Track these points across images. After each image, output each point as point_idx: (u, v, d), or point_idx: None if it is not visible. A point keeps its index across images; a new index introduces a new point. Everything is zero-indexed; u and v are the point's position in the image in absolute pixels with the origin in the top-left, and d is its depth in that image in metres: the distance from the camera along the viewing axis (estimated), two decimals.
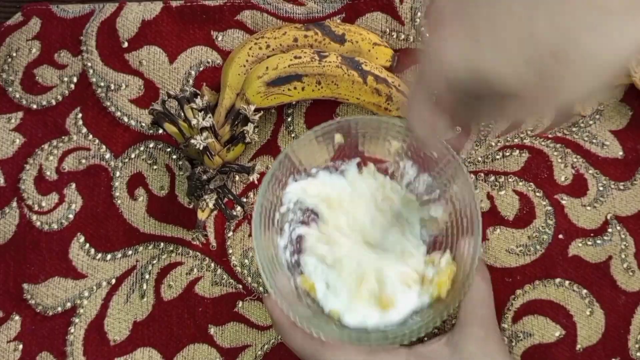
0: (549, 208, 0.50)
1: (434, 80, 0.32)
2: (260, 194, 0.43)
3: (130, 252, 0.51)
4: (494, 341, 0.42)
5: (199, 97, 0.48)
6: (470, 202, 0.43)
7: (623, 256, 0.50)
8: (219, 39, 0.53)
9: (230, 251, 0.51)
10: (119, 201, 0.52)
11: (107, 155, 0.52)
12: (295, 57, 0.48)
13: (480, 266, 0.42)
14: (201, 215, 0.48)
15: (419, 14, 0.53)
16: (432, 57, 0.31)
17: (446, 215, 0.46)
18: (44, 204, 0.52)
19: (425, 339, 0.48)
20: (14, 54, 0.53)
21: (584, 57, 0.27)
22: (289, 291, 0.43)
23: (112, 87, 0.53)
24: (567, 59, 0.27)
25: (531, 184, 0.51)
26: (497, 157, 0.51)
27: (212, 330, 0.50)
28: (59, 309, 0.50)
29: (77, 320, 0.50)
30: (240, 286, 0.50)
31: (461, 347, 0.41)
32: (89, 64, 0.53)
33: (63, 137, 0.52)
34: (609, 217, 0.50)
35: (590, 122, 0.52)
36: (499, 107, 0.31)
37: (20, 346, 0.50)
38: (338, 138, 0.45)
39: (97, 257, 0.51)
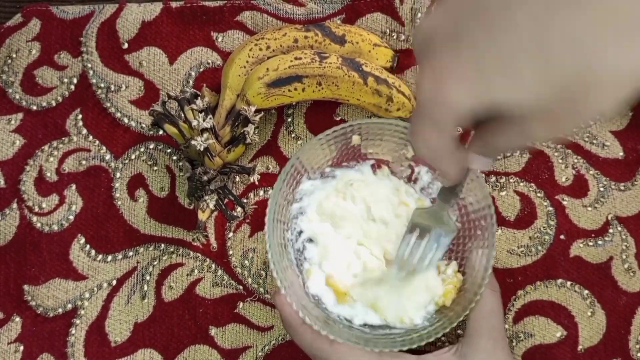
0: (550, 209, 0.50)
1: (441, 120, 0.29)
2: (275, 191, 0.43)
3: (130, 254, 0.51)
4: (502, 353, 0.42)
5: (199, 98, 0.48)
6: (487, 215, 0.43)
7: (624, 257, 0.50)
8: (219, 39, 0.53)
9: (231, 252, 0.51)
10: (119, 202, 0.52)
11: (108, 157, 0.52)
12: (296, 58, 0.48)
13: (490, 277, 0.42)
14: (202, 216, 0.48)
15: (419, 14, 0.53)
16: (434, 97, 0.28)
17: (459, 223, 0.46)
18: (44, 205, 0.52)
19: (437, 343, 0.48)
20: (14, 55, 0.53)
21: (613, 73, 0.25)
22: (298, 288, 0.43)
23: (112, 88, 0.53)
24: (595, 79, 0.25)
25: (532, 184, 0.51)
26: (498, 157, 0.51)
27: (212, 331, 0.50)
28: (60, 310, 0.50)
29: (77, 321, 0.50)
30: (241, 287, 0.50)
31: (470, 358, 0.41)
32: (89, 65, 0.53)
33: (63, 138, 0.52)
34: (609, 218, 0.50)
35: (591, 123, 0.52)
36: (522, 130, 0.29)
37: (21, 348, 0.50)
38: (356, 139, 0.46)
39: (98, 259, 0.51)
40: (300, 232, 0.46)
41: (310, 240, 0.46)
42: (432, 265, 0.44)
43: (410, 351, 0.41)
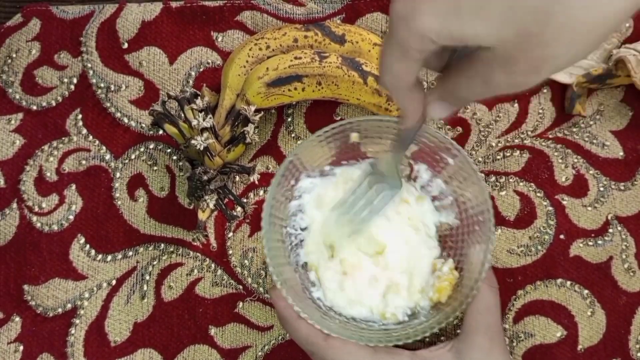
0: (550, 208, 0.50)
1: (408, 42, 0.29)
2: (272, 186, 0.43)
3: (130, 253, 0.51)
4: (499, 351, 0.42)
5: (199, 97, 0.48)
6: (484, 210, 0.43)
7: (624, 256, 0.50)
8: (219, 39, 0.53)
9: (231, 252, 0.51)
10: (119, 202, 0.52)
11: (107, 156, 0.52)
12: (296, 58, 0.48)
13: (488, 274, 0.42)
14: (201, 216, 0.48)
15: None
16: (405, 19, 0.28)
17: (457, 221, 0.46)
18: (44, 205, 0.52)
19: (427, 340, 0.48)
20: (14, 55, 0.53)
21: (571, 21, 0.26)
22: (295, 284, 0.43)
23: (112, 88, 0.53)
24: (554, 22, 0.26)
25: (532, 184, 0.51)
26: (498, 157, 0.51)
27: (212, 331, 0.50)
28: (60, 310, 0.50)
29: (77, 321, 0.50)
30: (241, 287, 0.50)
31: (465, 355, 0.41)
32: (89, 65, 0.53)
33: (63, 138, 0.52)
34: (609, 218, 0.50)
35: (591, 123, 0.52)
36: (484, 77, 0.29)
37: (21, 347, 0.50)
38: (354, 137, 0.46)
39: (98, 258, 0.51)
40: (300, 229, 0.47)
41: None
42: (373, 215, 0.45)
43: (405, 347, 0.41)
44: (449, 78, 0.32)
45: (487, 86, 0.30)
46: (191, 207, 0.51)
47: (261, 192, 0.52)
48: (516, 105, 0.52)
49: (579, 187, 0.51)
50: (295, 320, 0.41)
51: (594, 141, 0.51)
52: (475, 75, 0.30)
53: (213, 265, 0.51)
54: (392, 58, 0.31)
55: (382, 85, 0.33)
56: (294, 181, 0.46)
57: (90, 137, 0.52)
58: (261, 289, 0.50)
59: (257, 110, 0.49)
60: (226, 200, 0.49)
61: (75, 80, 0.53)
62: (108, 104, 0.53)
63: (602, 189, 0.51)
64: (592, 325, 0.49)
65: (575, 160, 0.51)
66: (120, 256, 0.51)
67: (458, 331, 0.48)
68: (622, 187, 0.51)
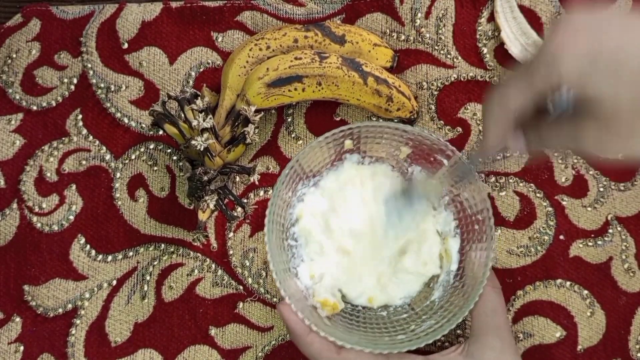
0: (550, 209, 0.50)
1: (541, 81, 0.33)
2: (275, 192, 0.43)
3: (131, 254, 0.51)
4: (510, 352, 0.42)
5: (199, 98, 0.48)
6: (483, 208, 0.43)
7: (624, 257, 0.50)
8: (219, 39, 0.53)
9: (231, 252, 0.51)
10: (119, 202, 0.52)
11: (108, 157, 0.52)
12: (296, 58, 0.48)
13: (490, 275, 0.42)
14: (202, 216, 0.48)
15: (419, 14, 0.53)
16: (550, 61, 0.33)
17: (456, 221, 0.46)
18: (44, 205, 0.52)
19: (437, 343, 0.48)
20: (14, 55, 0.53)
21: None
22: (300, 297, 0.43)
23: (112, 88, 0.53)
24: None
25: (532, 184, 0.51)
26: (498, 157, 0.51)
27: (212, 331, 0.50)
28: (60, 310, 0.50)
29: (78, 321, 0.50)
30: (241, 287, 0.50)
31: (478, 357, 0.41)
32: (89, 65, 0.53)
33: (63, 138, 0.52)
34: (609, 218, 0.50)
35: None
36: (569, 129, 0.34)
37: (21, 348, 0.50)
38: (348, 144, 0.46)
39: (98, 259, 0.51)
40: (299, 240, 0.47)
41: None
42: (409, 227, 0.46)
43: (417, 352, 0.41)
44: (543, 127, 0.36)
45: (574, 141, 0.34)
46: (191, 207, 0.51)
47: (261, 193, 0.52)
48: None
49: (578, 188, 0.51)
50: (307, 335, 0.41)
51: None
52: (566, 132, 0.35)
53: (213, 265, 0.51)
54: (515, 89, 0.35)
55: (487, 110, 0.37)
56: (295, 187, 0.46)
57: (91, 137, 0.52)
58: (261, 289, 0.50)
59: (257, 111, 0.48)
60: (226, 200, 0.49)
61: (75, 81, 0.53)
62: (108, 104, 0.53)
63: (601, 189, 0.51)
64: (591, 326, 0.49)
65: (575, 160, 0.51)
66: (120, 256, 0.51)
67: (460, 339, 0.49)
68: (622, 188, 0.51)
